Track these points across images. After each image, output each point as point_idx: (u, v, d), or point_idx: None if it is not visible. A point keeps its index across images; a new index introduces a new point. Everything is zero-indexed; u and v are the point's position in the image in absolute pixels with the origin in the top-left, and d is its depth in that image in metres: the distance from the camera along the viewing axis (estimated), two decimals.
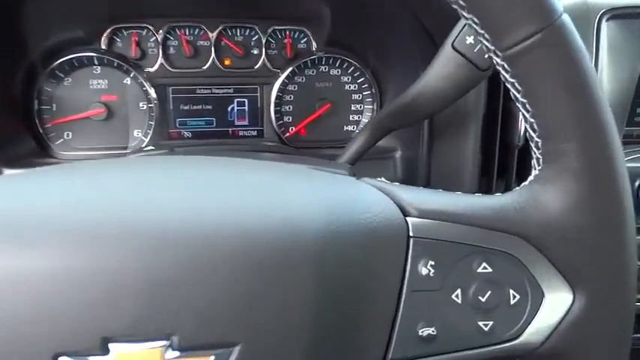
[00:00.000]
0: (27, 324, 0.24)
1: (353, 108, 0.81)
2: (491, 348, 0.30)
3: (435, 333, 0.29)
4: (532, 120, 0.30)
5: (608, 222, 0.30)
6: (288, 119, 0.80)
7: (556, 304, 0.30)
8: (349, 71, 0.79)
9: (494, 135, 0.62)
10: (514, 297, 0.30)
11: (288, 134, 0.80)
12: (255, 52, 0.77)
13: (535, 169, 0.31)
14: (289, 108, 0.79)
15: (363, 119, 0.81)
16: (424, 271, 0.30)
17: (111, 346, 0.25)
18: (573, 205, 0.30)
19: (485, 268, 0.30)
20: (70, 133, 0.74)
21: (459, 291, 0.30)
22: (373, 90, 0.80)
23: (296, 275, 0.27)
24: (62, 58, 0.71)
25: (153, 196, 0.28)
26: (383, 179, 0.35)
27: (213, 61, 0.76)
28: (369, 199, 0.31)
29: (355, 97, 0.81)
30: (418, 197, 0.32)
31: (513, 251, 0.30)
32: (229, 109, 0.78)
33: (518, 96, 0.29)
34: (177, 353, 0.25)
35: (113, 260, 0.25)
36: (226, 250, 0.26)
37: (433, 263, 0.30)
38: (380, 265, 0.29)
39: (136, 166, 0.32)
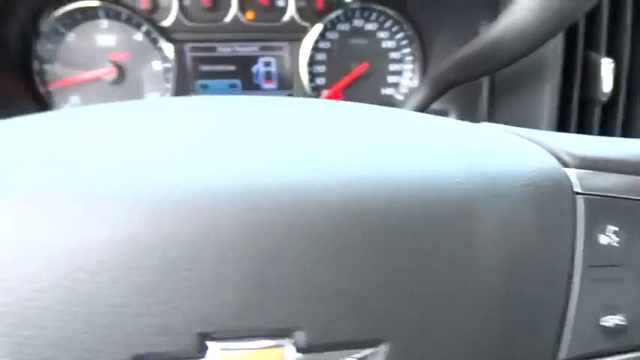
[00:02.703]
0: (97, 315, 0.16)
1: (391, 69, 0.72)
2: None
3: (624, 323, 0.22)
4: None
5: None
6: (321, 81, 0.71)
7: None
8: (386, 26, 0.70)
9: (571, 90, 0.53)
10: None
11: (321, 99, 0.71)
12: (282, 3, 0.68)
13: None
14: (322, 69, 0.70)
15: (402, 81, 0.73)
16: (604, 240, 0.22)
17: (210, 345, 0.17)
18: None
19: None
20: (77, 97, 0.64)
21: None
22: (414, 48, 0.71)
23: (452, 246, 0.19)
24: (62, 9, 0.61)
25: (244, 149, 0.20)
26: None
27: (234, 14, 0.66)
28: (517, 149, 0.23)
29: (393, 56, 0.72)
30: (573, 143, 0.24)
31: None
32: (254, 69, 0.69)
33: None
34: (300, 355, 0.17)
35: (207, 231, 0.17)
36: (365, 218, 0.18)
37: (617, 229, 0.22)
38: (544, 233, 0.21)
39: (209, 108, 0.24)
